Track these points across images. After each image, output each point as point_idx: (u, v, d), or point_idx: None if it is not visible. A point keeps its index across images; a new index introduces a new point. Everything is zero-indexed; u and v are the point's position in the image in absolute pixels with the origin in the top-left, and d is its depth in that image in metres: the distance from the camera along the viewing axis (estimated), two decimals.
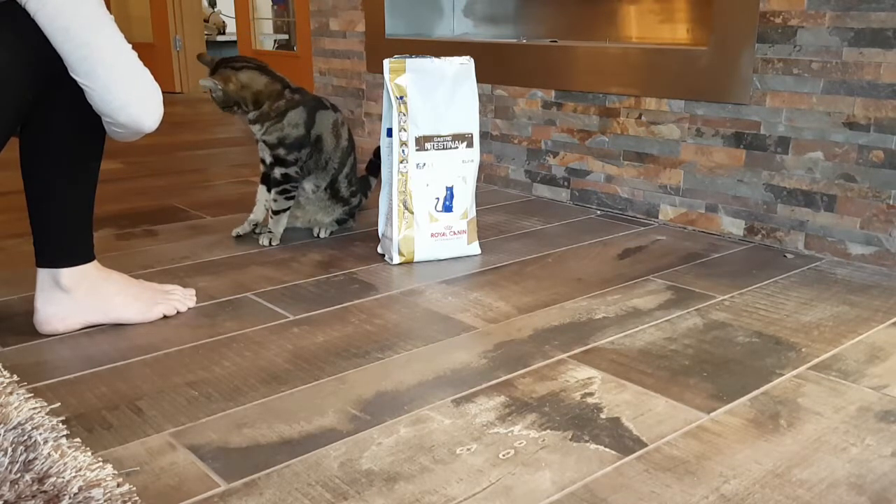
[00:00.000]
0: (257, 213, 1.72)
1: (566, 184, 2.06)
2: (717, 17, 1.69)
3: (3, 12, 1.02)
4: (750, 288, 1.42)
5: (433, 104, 1.52)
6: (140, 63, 1.10)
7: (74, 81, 1.07)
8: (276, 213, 1.67)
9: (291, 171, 1.62)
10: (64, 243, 1.18)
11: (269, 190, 1.67)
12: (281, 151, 1.61)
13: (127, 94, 1.07)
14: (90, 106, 1.09)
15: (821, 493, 0.82)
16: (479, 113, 1.60)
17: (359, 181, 1.79)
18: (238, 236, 1.71)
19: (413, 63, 1.50)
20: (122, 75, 1.07)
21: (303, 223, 1.77)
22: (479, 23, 2.66)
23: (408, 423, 0.95)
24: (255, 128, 1.62)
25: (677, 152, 1.81)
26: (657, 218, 1.87)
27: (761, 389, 1.04)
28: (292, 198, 1.66)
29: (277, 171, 1.62)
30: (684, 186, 1.81)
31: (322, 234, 1.73)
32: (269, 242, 1.66)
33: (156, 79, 1.13)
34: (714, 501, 0.80)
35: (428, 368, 1.10)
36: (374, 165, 1.88)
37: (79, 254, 1.20)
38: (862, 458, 0.88)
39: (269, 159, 1.63)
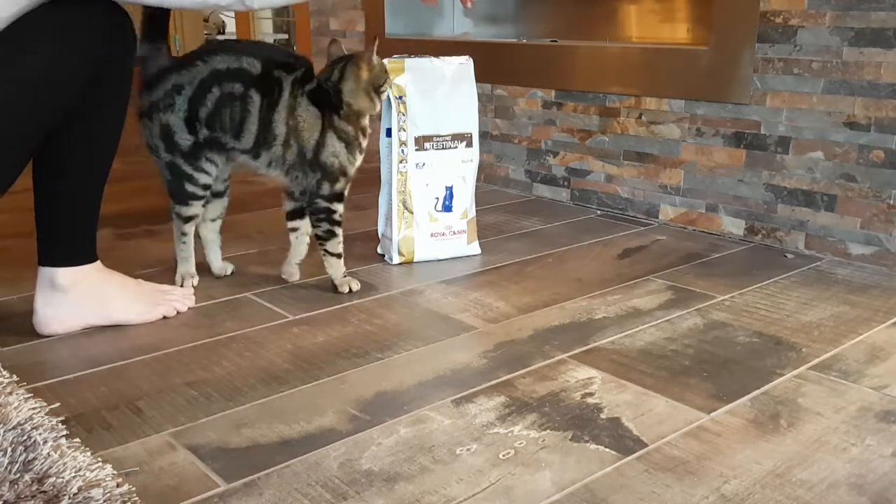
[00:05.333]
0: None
1: (566, 184, 2.06)
2: (717, 17, 1.69)
3: (39, 15, 1.01)
4: (750, 288, 1.42)
5: (432, 104, 1.51)
6: None
7: (92, 83, 1.07)
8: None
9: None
10: (67, 243, 1.18)
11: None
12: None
13: None
14: (106, 109, 1.09)
15: (821, 493, 0.82)
16: (479, 113, 1.60)
17: None
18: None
19: (412, 63, 1.50)
20: None
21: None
22: (479, 23, 2.66)
23: (408, 424, 0.95)
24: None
25: (677, 152, 1.81)
26: (657, 218, 1.87)
27: (761, 389, 1.04)
28: None
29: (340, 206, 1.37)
30: (684, 186, 1.81)
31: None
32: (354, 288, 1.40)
33: None
34: (714, 501, 0.80)
35: (428, 368, 1.10)
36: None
37: (80, 254, 1.20)
38: (862, 459, 0.88)
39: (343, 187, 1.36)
